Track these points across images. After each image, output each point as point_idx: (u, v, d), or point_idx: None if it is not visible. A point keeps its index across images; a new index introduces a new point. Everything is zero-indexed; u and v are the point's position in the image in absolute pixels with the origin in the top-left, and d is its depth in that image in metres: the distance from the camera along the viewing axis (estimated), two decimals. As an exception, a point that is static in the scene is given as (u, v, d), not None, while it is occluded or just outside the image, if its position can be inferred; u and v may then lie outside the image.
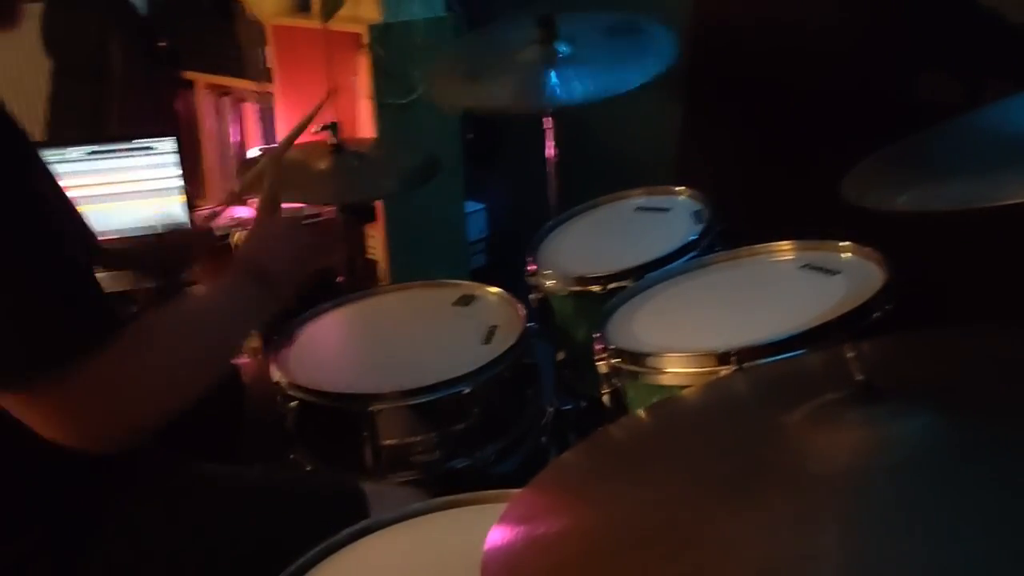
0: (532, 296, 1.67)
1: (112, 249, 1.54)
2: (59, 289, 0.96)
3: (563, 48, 1.86)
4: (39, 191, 0.99)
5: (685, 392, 1.11)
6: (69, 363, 0.94)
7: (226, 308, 1.18)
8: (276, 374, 1.50)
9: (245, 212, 2.61)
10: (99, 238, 1.41)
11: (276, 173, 1.42)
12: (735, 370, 1.19)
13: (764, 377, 1.07)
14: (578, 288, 1.59)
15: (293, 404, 1.45)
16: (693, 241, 1.60)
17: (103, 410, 0.99)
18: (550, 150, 1.97)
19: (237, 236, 2.44)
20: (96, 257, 1.33)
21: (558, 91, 1.81)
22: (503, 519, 0.81)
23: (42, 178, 1.01)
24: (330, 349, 1.62)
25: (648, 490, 0.81)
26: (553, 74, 1.82)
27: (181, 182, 2.51)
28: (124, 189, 2.47)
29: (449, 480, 1.40)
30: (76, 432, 0.98)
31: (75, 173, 2.41)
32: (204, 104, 2.99)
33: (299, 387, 1.45)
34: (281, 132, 2.72)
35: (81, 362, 0.94)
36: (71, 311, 0.96)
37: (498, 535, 0.79)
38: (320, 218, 2.48)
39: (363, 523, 1.06)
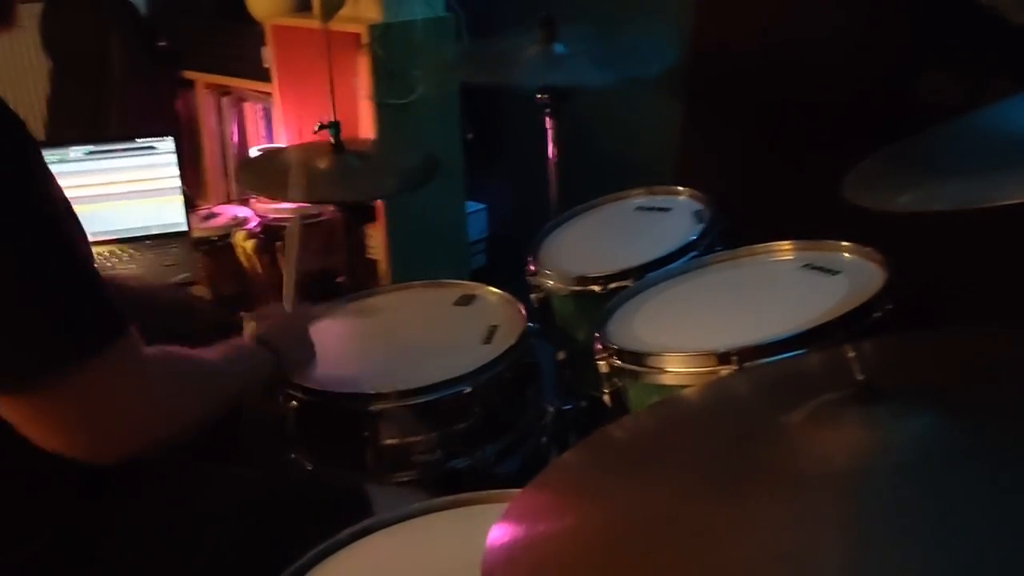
0: (532, 296, 1.67)
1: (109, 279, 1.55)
2: (64, 291, 0.95)
3: (562, 48, 1.87)
4: (50, 192, 0.99)
5: (685, 392, 1.11)
6: (74, 364, 0.94)
7: (239, 368, 1.25)
8: (277, 374, 1.50)
9: (244, 212, 2.62)
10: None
11: (299, 270, 1.59)
12: (735, 370, 1.19)
13: (764, 377, 1.07)
14: (578, 288, 1.59)
15: (294, 404, 1.46)
16: (693, 241, 1.60)
17: (105, 415, 0.98)
18: (551, 150, 1.97)
19: (237, 235, 2.45)
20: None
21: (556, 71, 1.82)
22: (504, 518, 0.81)
23: (51, 180, 1.01)
24: (331, 349, 1.62)
25: (648, 489, 0.81)
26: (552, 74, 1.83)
27: (180, 182, 2.51)
28: (124, 189, 2.47)
29: (450, 480, 1.40)
30: (76, 438, 0.98)
31: (75, 173, 2.42)
32: (204, 104, 2.99)
33: (300, 387, 1.45)
34: (281, 132, 2.72)
35: (85, 364, 0.94)
36: (76, 313, 0.96)
37: (499, 534, 0.79)
38: (321, 218, 2.48)
39: (363, 523, 1.06)
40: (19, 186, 0.94)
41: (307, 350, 1.47)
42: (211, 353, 1.18)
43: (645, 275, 1.54)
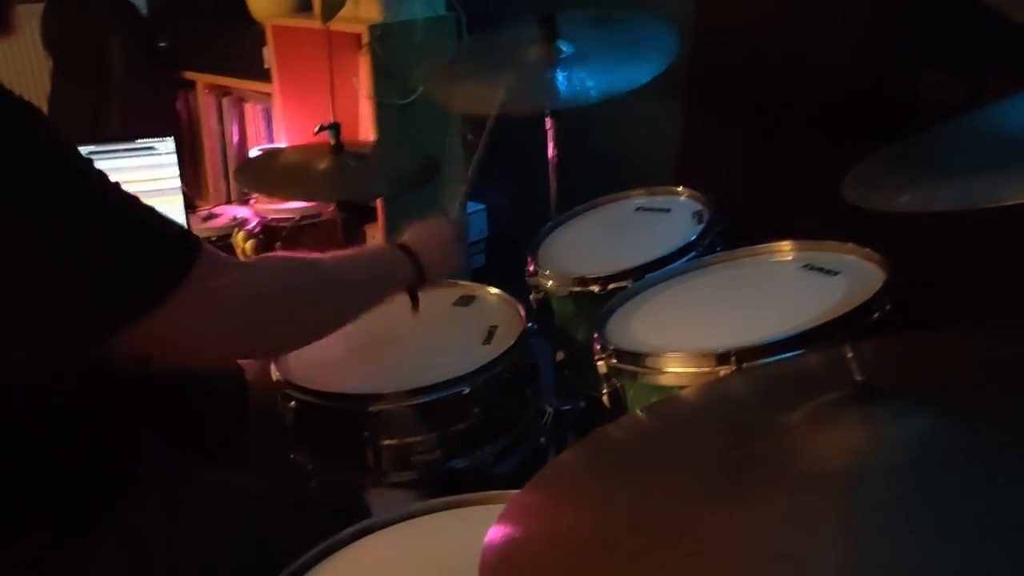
0: (532, 296, 1.67)
1: None
2: (141, 229, 1.06)
3: (564, 47, 1.86)
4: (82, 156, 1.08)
5: (684, 392, 1.11)
6: (174, 285, 1.00)
7: (363, 272, 1.30)
8: (276, 374, 1.50)
9: (244, 212, 2.62)
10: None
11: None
12: (734, 370, 1.19)
13: (763, 377, 1.07)
14: (578, 288, 1.59)
15: (293, 404, 1.46)
16: (693, 241, 1.59)
17: (214, 320, 1.05)
18: (550, 150, 1.97)
19: (237, 236, 2.45)
20: None
21: (560, 91, 1.80)
22: (502, 517, 0.81)
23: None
24: (330, 349, 1.62)
25: (646, 489, 0.81)
26: (554, 75, 1.82)
27: (181, 183, 2.51)
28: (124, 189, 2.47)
29: (449, 480, 1.40)
30: (204, 343, 1.06)
31: (75, 173, 2.41)
32: (204, 104, 2.99)
33: (299, 387, 1.45)
34: (282, 133, 2.72)
35: (182, 283, 1.01)
36: (176, 234, 1.06)
37: (496, 533, 0.79)
38: (321, 218, 2.48)
39: (363, 523, 1.06)
40: (62, 151, 1.03)
41: (451, 258, 1.47)
42: (332, 258, 1.25)
43: (644, 275, 1.54)
